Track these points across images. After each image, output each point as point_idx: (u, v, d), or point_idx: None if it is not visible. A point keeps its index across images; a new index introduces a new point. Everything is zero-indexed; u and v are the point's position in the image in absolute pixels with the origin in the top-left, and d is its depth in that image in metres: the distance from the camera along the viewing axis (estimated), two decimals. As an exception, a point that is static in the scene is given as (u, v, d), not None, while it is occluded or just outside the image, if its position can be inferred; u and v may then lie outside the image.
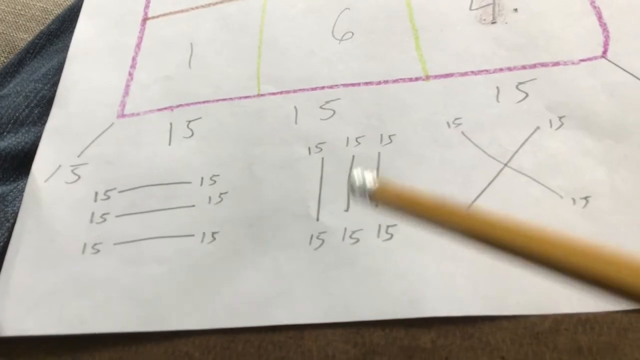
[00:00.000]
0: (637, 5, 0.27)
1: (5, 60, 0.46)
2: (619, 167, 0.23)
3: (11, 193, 0.27)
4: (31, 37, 0.48)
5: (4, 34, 0.49)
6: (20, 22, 0.50)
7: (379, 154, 0.26)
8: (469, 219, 0.15)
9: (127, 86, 0.29)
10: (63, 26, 0.33)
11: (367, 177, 0.18)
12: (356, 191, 0.18)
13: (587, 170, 0.24)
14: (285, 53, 0.29)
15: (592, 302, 0.21)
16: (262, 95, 0.28)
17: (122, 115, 0.28)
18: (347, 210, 0.25)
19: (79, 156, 0.27)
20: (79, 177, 0.27)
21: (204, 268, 0.24)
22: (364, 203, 0.18)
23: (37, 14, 0.51)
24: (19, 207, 0.26)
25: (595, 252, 0.13)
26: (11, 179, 0.28)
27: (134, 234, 0.25)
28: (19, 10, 0.51)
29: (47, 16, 0.50)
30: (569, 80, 0.26)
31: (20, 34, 0.49)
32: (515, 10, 0.28)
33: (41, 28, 0.49)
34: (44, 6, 0.51)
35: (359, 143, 0.26)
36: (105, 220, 0.26)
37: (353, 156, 0.26)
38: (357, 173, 0.18)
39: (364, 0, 0.30)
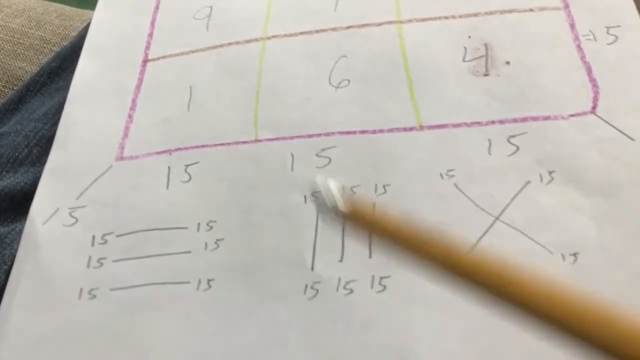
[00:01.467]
0: (626, 62, 0.28)
1: (3, 90, 0.47)
2: (607, 224, 0.24)
3: (9, 235, 0.27)
4: (29, 66, 0.49)
5: (2, 62, 0.49)
6: (19, 50, 0.50)
7: (373, 204, 0.26)
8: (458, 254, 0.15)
9: (127, 128, 0.30)
10: (64, 64, 0.34)
11: (333, 187, 0.17)
12: (323, 200, 0.17)
13: (576, 226, 0.24)
14: (283, 98, 0.30)
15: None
16: (259, 140, 0.28)
17: (121, 157, 0.29)
18: (341, 260, 0.25)
19: (77, 199, 0.28)
20: (77, 220, 0.27)
21: (198, 316, 0.24)
22: (332, 215, 0.17)
23: (35, 42, 0.51)
24: (16, 250, 0.27)
25: (593, 311, 0.13)
26: (9, 219, 0.28)
27: (130, 279, 0.26)
28: (18, 39, 0.51)
29: (45, 45, 0.51)
30: (559, 135, 0.26)
31: (19, 62, 0.50)
32: (508, 63, 0.29)
33: (39, 57, 0.50)
34: (43, 35, 0.51)
35: (355, 193, 0.26)
36: (102, 265, 0.26)
37: (348, 205, 0.26)
38: (320, 180, 0.17)
39: (361, 48, 0.30)
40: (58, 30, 0.52)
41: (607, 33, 0.28)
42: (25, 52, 0.50)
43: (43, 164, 0.29)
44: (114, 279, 0.26)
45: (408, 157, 0.27)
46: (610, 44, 0.28)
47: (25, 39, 0.51)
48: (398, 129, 0.28)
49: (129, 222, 0.27)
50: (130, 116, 0.30)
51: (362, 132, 0.28)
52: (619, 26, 0.28)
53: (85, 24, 0.52)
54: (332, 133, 0.28)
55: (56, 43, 0.51)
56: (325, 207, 0.17)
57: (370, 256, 0.25)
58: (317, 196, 0.17)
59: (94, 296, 0.25)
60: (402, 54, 0.30)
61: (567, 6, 0.30)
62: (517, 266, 0.14)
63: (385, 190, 0.26)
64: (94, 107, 0.30)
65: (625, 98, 0.27)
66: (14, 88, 0.45)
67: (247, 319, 0.24)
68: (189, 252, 0.26)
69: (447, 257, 0.14)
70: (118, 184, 0.28)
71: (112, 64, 0.32)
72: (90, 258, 0.26)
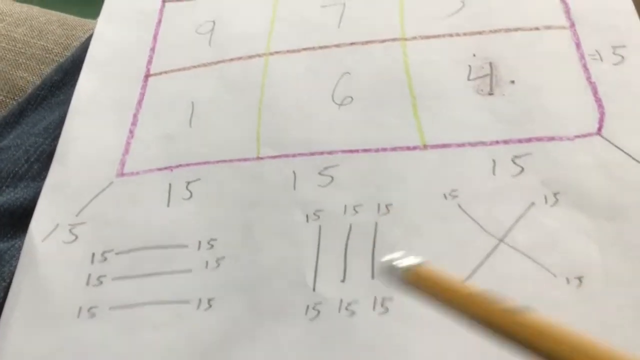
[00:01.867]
0: (633, 82, 0.27)
1: (4, 99, 0.47)
2: (612, 247, 0.24)
3: (8, 251, 0.27)
4: (31, 76, 0.49)
5: (3, 72, 0.49)
6: (21, 60, 0.50)
7: (376, 223, 0.26)
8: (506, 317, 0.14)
9: (128, 144, 0.30)
10: (66, 77, 0.34)
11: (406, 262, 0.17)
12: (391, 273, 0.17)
13: (581, 249, 0.24)
14: (286, 115, 0.29)
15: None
16: (261, 158, 0.28)
17: (121, 174, 0.29)
18: (343, 280, 0.25)
19: (77, 215, 0.28)
20: (77, 237, 0.27)
21: (199, 336, 0.24)
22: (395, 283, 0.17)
23: (37, 52, 0.51)
24: (15, 266, 0.26)
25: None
26: (8, 235, 0.28)
27: (130, 298, 0.25)
28: (19, 48, 0.51)
29: (47, 55, 0.51)
30: (564, 156, 0.26)
31: (20, 72, 0.50)
32: (512, 82, 0.28)
33: (41, 67, 0.50)
34: (45, 45, 0.51)
35: (357, 212, 0.26)
36: (101, 283, 0.26)
37: (350, 225, 0.26)
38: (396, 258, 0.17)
39: (364, 65, 0.30)
40: (60, 40, 0.52)
41: (614, 53, 0.28)
42: (27, 62, 0.50)
43: (43, 179, 0.29)
44: (113, 297, 0.25)
45: (411, 177, 0.27)
46: (617, 64, 0.28)
47: (27, 49, 0.51)
48: (401, 148, 0.27)
49: (129, 239, 0.27)
50: (131, 131, 0.30)
51: (365, 150, 0.28)
52: (625, 46, 0.28)
53: (87, 34, 0.52)
54: (335, 151, 0.28)
55: (58, 53, 0.50)
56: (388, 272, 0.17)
57: (372, 277, 0.25)
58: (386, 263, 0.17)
59: (93, 315, 0.25)
60: (406, 72, 0.30)
61: (572, 25, 0.29)
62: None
63: (388, 210, 0.26)
64: (94, 122, 0.30)
65: (632, 120, 0.26)
66: (16, 98, 0.45)
67: (247, 340, 0.24)
68: (189, 270, 0.26)
69: (506, 324, 0.14)
70: (118, 200, 0.28)
71: (113, 78, 0.32)
72: (89, 276, 0.26)
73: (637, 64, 0.28)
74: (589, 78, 0.28)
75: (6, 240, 0.28)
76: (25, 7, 0.55)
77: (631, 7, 0.30)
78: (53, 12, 0.57)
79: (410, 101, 0.29)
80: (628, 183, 0.25)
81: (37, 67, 0.50)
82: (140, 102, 0.31)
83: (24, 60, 0.50)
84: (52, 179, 0.29)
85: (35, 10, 0.56)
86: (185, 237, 0.27)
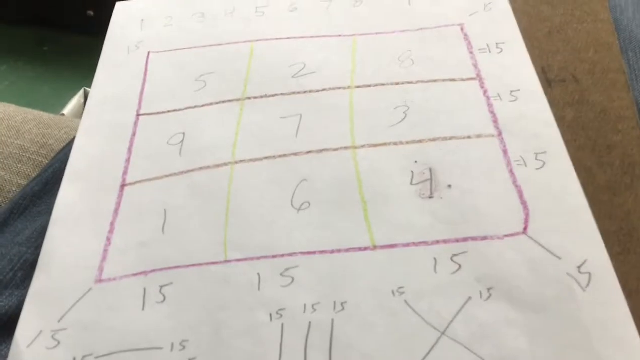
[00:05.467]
0: (552, 186, 0.31)
1: (-17, 199, 0.49)
2: (538, 338, 0.27)
3: (-5, 358, 0.29)
4: (8, 175, 0.51)
5: (-18, 171, 0.52)
6: (-1, 159, 0.53)
7: (332, 320, 0.29)
8: None
9: (105, 251, 0.32)
10: (46, 188, 0.36)
11: None
12: None
13: (512, 340, 0.27)
14: (250, 221, 0.33)
15: None
16: (228, 261, 0.31)
17: (99, 280, 0.31)
18: (303, 377, 0.27)
19: (59, 321, 0.30)
20: (59, 342, 0.29)
21: None
22: None
23: (14, 151, 0.54)
24: (0, 374, 0.28)
25: None
26: (-5, 342, 0.30)
27: (109, 400, 0.28)
28: (-2, 148, 0.54)
29: (24, 153, 0.54)
30: (495, 254, 0.30)
31: (-1, 171, 0.52)
32: (449, 186, 0.32)
33: (18, 166, 0.53)
34: (22, 144, 0.54)
35: (315, 310, 0.29)
36: (82, 386, 0.28)
37: (310, 323, 0.29)
38: None
39: (320, 172, 0.34)
40: (36, 139, 0.55)
41: (536, 159, 0.32)
42: (5, 161, 0.52)
43: (26, 287, 0.31)
44: (93, 400, 0.28)
45: (363, 276, 0.30)
46: (539, 169, 0.32)
47: (4, 148, 0.53)
48: (354, 249, 0.31)
49: (107, 343, 0.29)
50: (109, 239, 0.33)
51: (322, 252, 0.31)
52: (545, 152, 0.32)
53: (62, 131, 0.55)
54: (295, 253, 0.31)
55: (35, 151, 0.53)
56: None
57: (330, 372, 0.28)
58: None
59: (75, 418, 0.27)
60: (357, 178, 0.33)
61: (500, 134, 0.34)
62: None
63: (343, 308, 0.29)
64: (74, 232, 0.33)
65: (552, 220, 0.30)
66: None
67: None
68: (163, 372, 0.28)
69: None
70: (97, 306, 0.30)
71: (92, 189, 0.35)
72: (71, 380, 0.28)
73: (557, 168, 0.32)
74: (515, 182, 0.32)
75: (-7, 347, 0.30)
76: (3, 107, 0.58)
77: (551, 117, 0.34)
78: (29, 110, 0.60)
79: (361, 205, 0.32)
80: (551, 277, 0.29)
81: (15, 165, 0.53)
82: (117, 211, 0.34)
83: (2, 159, 0.52)
84: (35, 288, 0.31)
85: (12, 109, 0.59)
86: (159, 340, 0.29)
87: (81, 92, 1.08)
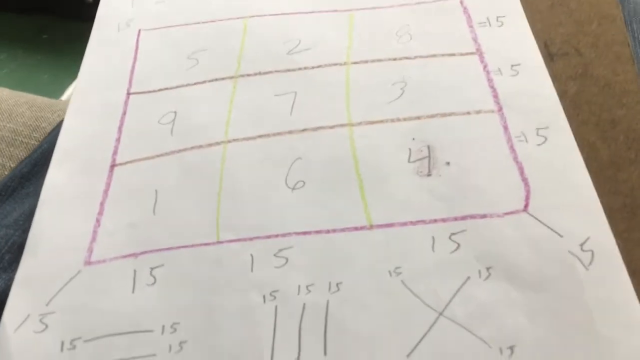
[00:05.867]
0: (554, 162, 0.30)
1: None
2: (540, 318, 0.26)
3: (-19, 343, 0.28)
4: (0, 159, 0.51)
5: (-26, 154, 0.51)
6: (-10, 143, 0.52)
7: (327, 301, 0.28)
8: None
9: (94, 232, 0.31)
10: (35, 169, 0.36)
11: None
12: None
13: (512, 320, 0.26)
14: (243, 201, 0.32)
15: None
16: (220, 242, 0.30)
17: (89, 262, 0.30)
18: (297, 358, 0.27)
19: (47, 305, 0.29)
20: (47, 326, 0.29)
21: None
22: None
23: (6, 134, 0.53)
24: (-12, 358, 0.28)
25: None
26: (-19, 326, 0.29)
27: (98, 385, 0.27)
28: (-10, 131, 0.53)
29: (16, 137, 0.53)
30: (495, 233, 0.29)
31: (-10, 154, 0.51)
32: (448, 163, 0.31)
33: (10, 149, 0.52)
34: (14, 127, 0.53)
35: (310, 291, 0.28)
36: (71, 371, 0.27)
37: (304, 304, 0.28)
38: None
39: (315, 150, 0.33)
40: (29, 122, 0.54)
41: (537, 134, 0.31)
42: (-4, 145, 0.51)
43: (14, 270, 0.30)
44: (82, 385, 0.27)
45: (359, 256, 0.29)
46: (540, 144, 0.31)
47: (-3, 131, 0.52)
48: (350, 229, 0.30)
49: (96, 327, 0.28)
50: (98, 220, 0.32)
51: (317, 232, 0.30)
52: (547, 127, 0.31)
53: (55, 114, 0.54)
54: (289, 234, 0.30)
55: (27, 135, 0.53)
56: None
57: (325, 354, 0.27)
58: None
59: (63, 402, 0.27)
60: (353, 156, 0.32)
61: (500, 109, 0.33)
62: None
63: (339, 288, 0.28)
64: (63, 213, 0.32)
65: (554, 197, 0.29)
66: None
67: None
68: (154, 355, 0.27)
69: None
70: (86, 289, 0.30)
71: (81, 170, 0.34)
72: (59, 364, 0.28)
73: (559, 143, 0.31)
74: (515, 158, 0.31)
75: (-21, 331, 0.29)
76: (-5, 90, 0.57)
77: (552, 91, 0.33)
78: (22, 93, 0.59)
79: (357, 183, 0.31)
80: (552, 256, 0.28)
81: (7, 149, 0.52)
82: (106, 192, 0.33)
83: (-6, 143, 0.51)
84: (23, 271, 0.30)
85: (5, 92, 0.58)
86: (149, 322, 0.28)
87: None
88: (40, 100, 0.58)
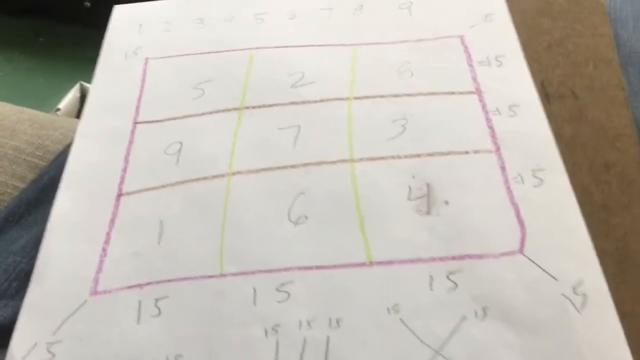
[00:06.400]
0: (550, 204, 0.31)
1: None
2: (533, 359, 0.27)
3: (-12, 370, 0.29)
4: (3, 176, 0.51)
5: (-24, 172, 0.51)
6: (-7, 160, 0.52)
7: (327, 337, 0.29)
8: None
9: (101, 262, 0.32)
10: (41, 195, 0.36)
11: None
12: None
13: (507, 361, 0.27)
14: (246, 234, 0.32)
15: None
16: (224, 275, 0.31)
17: (95, 292, 0.31)
18: (298, 395, 0.28)
19: (54, 334, 0.30)
20: (54, 355, 0.29)
21: None
22: None
23: (9, 152, 0.54)
24: (-5, 386, 0.28)
25: None
26: (-12, 353, 0.30)
27: (103, 415, 0.28)
28: (-8, 148, 0.53)
29: (19, 154, 0.53)
30: (491, 273, 0.30)
31: (-7, 172, 0.52)
32: (446, 202, 0.32)
33: (13, 167, 0.52)
34: (16, 145, 0.54)
35: (311, 327, 0.29)
36: (76, 401, 0.28)
37: (305, 339, 0.29)
38: None
39: (317, 186, 0.34)
40: (32, 140, 0.54)
41: (533, 176, 0.32)
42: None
43: (21, 297, 0.31)
44: (87, 414, 0.28)
45: (359, 293, 0.30)
46: (536, 186, 0.32)
47: (-1, 149, 0.53)
48: (350, 265, 0.31)
49: (101, 357, 0.29)
50: (104, 250, 0.33)
51: (318, 267, 0.31)
52: (543, 170, 0.32)
53: (57, 131, 0.55)
54: (291, 268, 0.31)
55: (30, 152, 0.53)
56: None
57: (324, 390, 0.28)
58: None
59: None
60: (354, 192, 0.33)
61: (498, 149, 0.34)
62: None
63: (339, 325, 0.29)
64: (70, 241, 0.33)
65: (549, 239, 0.30)
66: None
67: None
68: (157, 386, 0.28)
69: None
70: (92, 318, 0.30)
71: (88, 198, 0.34)
72: (65, 394, 0.28)
73: (554, 186, 0.32)
74: (512, 200, 0.32)
75: (-14, 358, 0.30)
76: (-3, 106, 0.57)
77: (549, 133, 0.34)
78: (24, 109, 0.60)
79: (358, 220, 0.32)
80: (546, 298, 0.29)
81: (10, 167, 0.52)
82: (113, 221, 0.34)
83: (-4, 160, 0.52)
84: (30, 299, 0.31)
85: (7, 108, 0.58)
86: (153, 354, 0.29)
87: (77, 86, 1.07)
88: (41, 116, 0.58)
